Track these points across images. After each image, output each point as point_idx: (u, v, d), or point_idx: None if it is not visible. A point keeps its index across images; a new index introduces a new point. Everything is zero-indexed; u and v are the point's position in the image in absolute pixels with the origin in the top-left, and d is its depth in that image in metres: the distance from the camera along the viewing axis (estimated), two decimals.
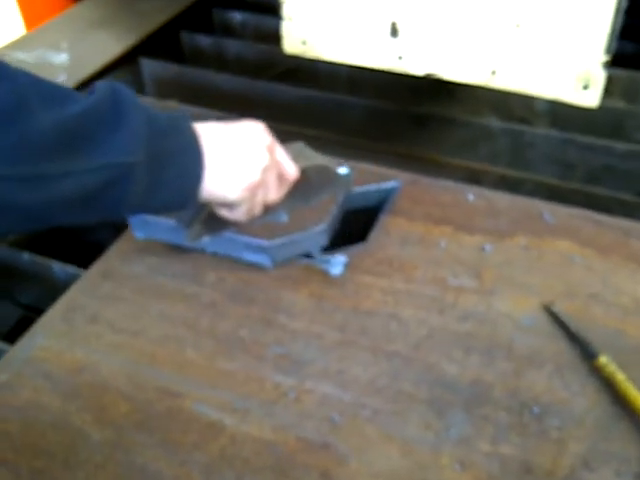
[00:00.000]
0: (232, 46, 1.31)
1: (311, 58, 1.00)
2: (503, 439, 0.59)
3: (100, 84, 0.53)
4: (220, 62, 1.32)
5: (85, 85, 1.21)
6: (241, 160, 0.60)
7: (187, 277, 0.75)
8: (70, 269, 0.83)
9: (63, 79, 1.21)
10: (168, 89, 1.27)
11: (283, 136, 0.99)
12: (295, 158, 0.68)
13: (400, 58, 0.89)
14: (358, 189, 0.85)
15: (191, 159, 0.57)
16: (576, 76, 0.78)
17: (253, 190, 0.62)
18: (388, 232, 0.79)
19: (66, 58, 1.28)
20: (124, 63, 1.29)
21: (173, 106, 1.13)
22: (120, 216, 0.59)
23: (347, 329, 0.69)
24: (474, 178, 0.93)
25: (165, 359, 0.67)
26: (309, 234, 0.75)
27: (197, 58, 1.34)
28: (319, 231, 0.75)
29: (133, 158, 0.51)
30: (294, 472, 0.57)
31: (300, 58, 1.07)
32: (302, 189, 0.70)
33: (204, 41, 1.34)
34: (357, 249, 0.78)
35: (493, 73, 0.83)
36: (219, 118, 0.63)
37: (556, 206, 0.82)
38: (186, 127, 0.57)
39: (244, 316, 0.71)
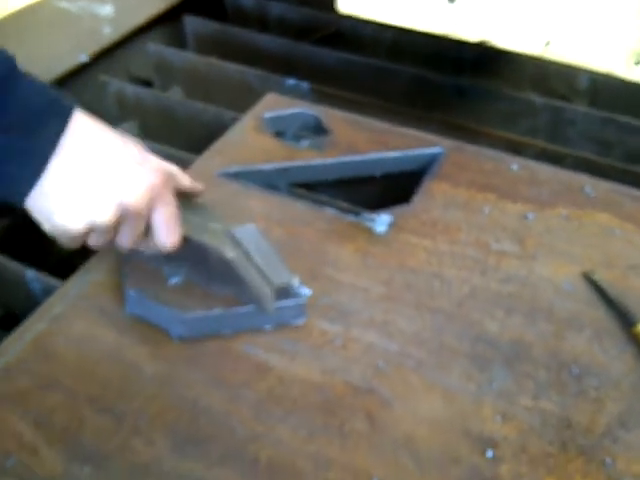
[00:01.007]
0: (275, 8, 1.32)
1: (364, 19, 1.01)
2: (543, 395, 0.61)
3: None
4: (262, 23, 1.33)
5: (129, 38, 1.23)
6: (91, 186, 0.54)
7: None
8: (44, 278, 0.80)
9: (107, 31, 1.22)
10: (209, 47, 1.28)
11: (324, 98, 1.01)
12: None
13: (455, 24, 0.90)
14: (402, 153, 0.87)
15: (35, 162, 0.51)
16: (629, 51, 0.79)
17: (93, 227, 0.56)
18: (432, 195, 0.81)
19: (111, 10, 1.29)
20: (167, 19, 1.31)
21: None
22: None
23: (392, 284, 0.71)
24: (515, 150, 0.95)
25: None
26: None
27: (239, 18, 1.35)
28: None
29: None
30: (341, 413, 0.60)
31: (343, 23, 1.09)
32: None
33: (247, 1, 1.35)
34: (402, 210, 0.79)
35: (547, 44, 0.85)
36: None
37: (597, 180, 0.84)
38: (52, 127, 0.52)
39: (292, 267, 0.73)
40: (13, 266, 0.81)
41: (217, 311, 0.66)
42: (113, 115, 1.16)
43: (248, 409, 0.60)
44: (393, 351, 0.65)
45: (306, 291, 0.68)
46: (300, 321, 0.67)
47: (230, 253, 0.64)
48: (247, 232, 0.69)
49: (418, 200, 0.81)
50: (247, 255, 0.67)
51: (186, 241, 0.65)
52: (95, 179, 0.54)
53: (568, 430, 0.58)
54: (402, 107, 1.05)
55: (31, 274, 0.79)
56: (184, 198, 0.67)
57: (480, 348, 0.65)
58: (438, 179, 0.84)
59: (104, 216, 0.54)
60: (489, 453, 0.57)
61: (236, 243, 0.67)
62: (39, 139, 0.51)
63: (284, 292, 0.66)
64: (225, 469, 0.56)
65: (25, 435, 0.59)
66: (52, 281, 0.78)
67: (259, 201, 0.80)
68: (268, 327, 0.67)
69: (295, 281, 0.67)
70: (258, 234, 0.70)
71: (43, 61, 1.11)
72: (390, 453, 0.57)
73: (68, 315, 0.69)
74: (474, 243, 0.75)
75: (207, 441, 0.58)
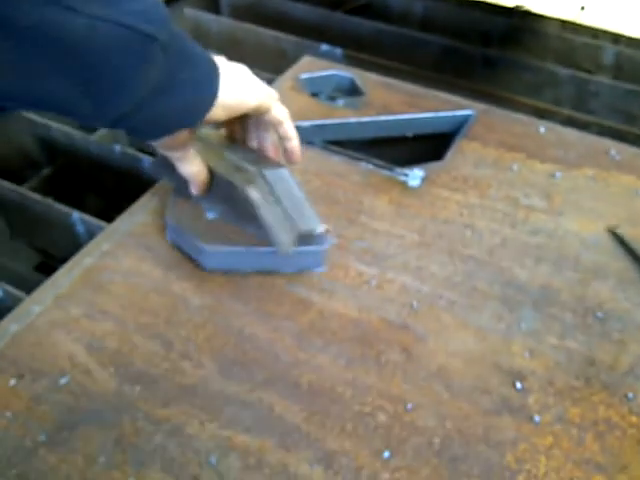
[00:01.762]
0: None
1: None
2: (569, 335, 0.64)
3: None
4: None
5: (165, 3, 1.25)
6: (253, 78, 0.64)
7: None
8: (90, 220, 0.84)
9: None
10: (243, 14, 1.31)
11: (356, 64, 1.04)
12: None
13: None
14: (434, 114, 0.90)
15: (207, 68, 0.57)
16: None
17: (271, 95, 0.65)
18: (463, 154, 0.84)
19: None
20: None
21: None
22: (118, 110, 0.51)
23: (425, 233, 0.74)
24: (541, 117, 0.98)
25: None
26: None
27: None
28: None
29: (156, 32, 0.48)
30: (377, 345, 0.63)
31: None
32: None
33: None
34: (434, 166, 0.83)
35: (582, 9, 0.87)
36: None
37: (622, 145, 0.87)
38: (206, 56, 0.58)
39: (329, 214, 0.76)
40: (59, 208, 0.84)
41: (238, 248, 0.69)
42: None
43: (291, 338, 0.64)
44: (426, 292, 0.68)
45: (330, 239, 0.71)
46: (320, 269, 0.70)
47: (254, 194, 0.66)
48: (279, 176, 0.69)
49: (449, 157, 0.84)
50: (275, 198, 0.68)
51: (220, 179, 0.68)
52: (249, 76, 0.64)
53: (592, 367, 0.62)
54: (432, 73, 1.08)
55: (77, 216, 0.83)
56: (225, 138, 0.71)
57: (510, 292, 0.68)
58: (468, 139, 0.87)
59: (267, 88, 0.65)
60: (518, 385, 0.60)
61: (266, 185, 0.68)
62: (205, 64, 0.57)
63: (307, 238, 0.68)
64: (269, 391, 0.60)
65: (78, 357, 0.63)
66: (96, 223, 0.82)
67: None
68: (289, 270, 0.70)
69: (320, 228, 0.68)
70: (290, 178, 0.70)
71: None
72: (424, 382, 0.60)
73: (116, 252, 0.73)
74: (504, 198, 0.78)
75: (252, 365, 0.62)
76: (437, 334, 0.64)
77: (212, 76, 0.57)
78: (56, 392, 0.60)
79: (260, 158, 0.71)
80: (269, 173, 0.69)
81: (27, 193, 0.87)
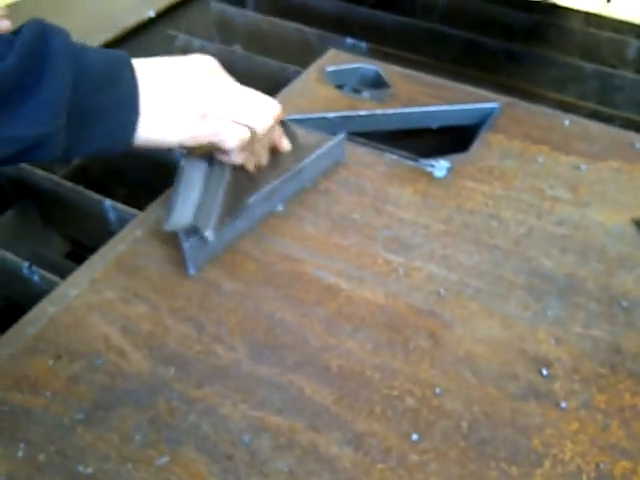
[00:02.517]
0: None
1: None
2: (594, 324, 0.65)
3: (28, 26, 0.48)
4: None
5: None
6: (184, 100, 0.58)
7: None
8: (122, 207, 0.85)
9: None
10: (267, 7, 1.32)
11: (381, 57, 1.05)
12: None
13: None
14: (460, 106, 0.91)
15: (126, 112, 0.54)
16: None
17: (202, 130, 0.60)
18: (489, 146, 0.85)
19: None
20: None
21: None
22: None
23: (451, 223, 0.75)
24: (565, 111, 0.98)
25: (286, 231, 0.74)
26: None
27: None
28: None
29: (48, 129, 0.48)
30: (405, 331, 0.65)
31: None
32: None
33: None
34: (459, 157, 0.84)
35: (608, 1, 0.88)
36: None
37: None
38: (125, 74, 0.54)
39: (356, 203, 0.78)
40: (91, 196, 0.86)
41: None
42: None
43: (320, 324, 0.65)
44: (453, 280, 0.69)
45: (194, 243, 0.68)
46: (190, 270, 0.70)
47: (185, 165, 0.70)
48: (219, 169, 0.70)
49: (475, 149, 0.85)
50: (201, 185, 0.69)
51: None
52: (180, 96, 0.58)
53: (618, 355, 0.63)
54: (456, 67, 1.09)
55: (108, 204, 0.85)
56: None
57: (536, 281, 0.69)
58: (494, 131, 0.88)
59: (198, 115, 0.60)
60: (544, 371, 0.61)
61: (205, 170, 0.70)
62: (120, 87, 0.55)
63: (193, 232, 0.68)
64: (299, 374, 0.61)
65: (113, 339, 0.65)
66: (128, 210, 0.83)
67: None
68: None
69: (209, 234, 0.67)
70: (225, 174, 0.69)
71: (115, 15, 1.16)
72: (451, 367, 0.62)
73: (149, 239, 0.74)
74: (529, 189, 0.79)
75: (282, 349, 0.63)
76: (464, 321, 0.65)
77: (130, 120, 0.55)
78: (92, 372, 0.62)
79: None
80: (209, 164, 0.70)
81: (59, 181, 0.89)
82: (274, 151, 0.75)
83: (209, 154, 0.69)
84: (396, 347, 0.63)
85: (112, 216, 0.86)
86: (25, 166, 0.92)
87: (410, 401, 0.59)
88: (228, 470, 0.55)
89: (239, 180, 0.71)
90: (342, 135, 0.81)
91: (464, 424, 0.57)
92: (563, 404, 0.58)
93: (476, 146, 0.85)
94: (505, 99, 0.92)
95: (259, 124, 0.64)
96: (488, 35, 1.15)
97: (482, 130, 0.88)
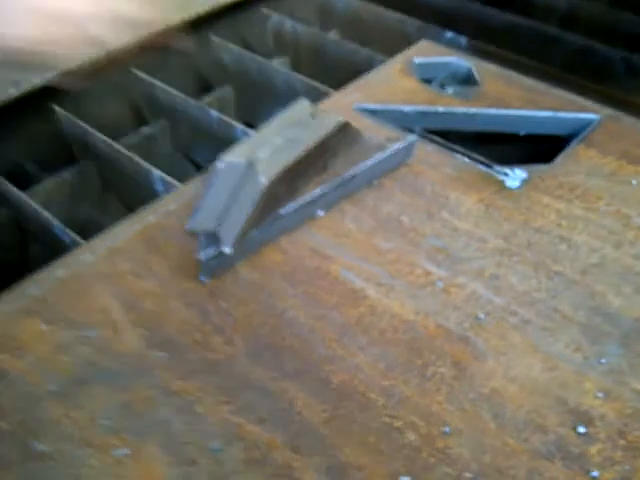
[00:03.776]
0: None
1: None
2: None
3: None
4: None
5: None
6: None
7: None
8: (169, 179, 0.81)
9: None
10: None
11: (481, 56, 0.96)
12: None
13: None
14: (553, 114, 0.80)
15: None
16: None
17: None
18: (577, 160, 0.74)
19: None
20: None
21: None
22: None
23: (512, 240, 0.65)
24: None
25: (324, 224, 0.67)
26: None
27: None
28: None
29: None
30: (427, 354, 0.56)
31: None
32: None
33: None
34: (540, 168, 0.73)
35: None
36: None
37: None
38: None
39: (408, 204, 0.69)
40: (141, 165, 0.83)
41: None
42: (269, 49, 1.17)
43: (333, 330, 0.58)
44: (498, 305, 0.59)
45: (226, 249, 0.61)
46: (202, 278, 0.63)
47: (220, 165, 0.62)
48: (255, 179, 0.61)
49: (560, 162, 0.74)
50: (235, 189, 0.62)
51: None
52: None
53: None
54: (564, 73, 0.97)
55: (157, 174, 0.81)
56: None
57: (596, 320, 0.58)
58: (586, 145, 0.76)
59: None
60: (581, 429, 0.50)
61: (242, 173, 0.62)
62: None
63: (213, 239, 0.62)
64: (294, 384, 0.54)
65: (112, 312, 0.60)
66: (175, 183, 0.79)
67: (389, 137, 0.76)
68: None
69: (227, 248, 0.61)
70: (258, 187, 0.61)
71: None
72: (470, 405, 0.52)
73: (181, 212, 0.69)
74: (613, 214, 0.68)
75: (284, 352, 0.56)
76: (499, 354, 0.56)
77: None
78: (81, 344, 0.57)
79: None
80: (251, 170, 0.62)
81: (116, 146, 0.86)
82: (328, 154, 0.67)
83: (248, 158, 0.62)
84: (412, 371, 0.55)
85: (159, 187, 0.82)
86: (88, 127, 0.90)
87: (412, 436, 0.50)
88: (188, 477, 0.48)
89: (276, 190, 0.62)
90: (413, 138, 0.73)
91: (468, 475, 0.48)
92: (595, 473, 0.48)
93: (562, 158, 0.75)
94: (607, 111, 0.80)
95: None
96: (607, 43, 1.02)
97: (573, 142, 0.77)
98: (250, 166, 0.60)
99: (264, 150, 0.61)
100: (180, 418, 0.52)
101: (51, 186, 0.92)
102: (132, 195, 0.90)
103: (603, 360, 0.55)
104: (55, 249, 0.75)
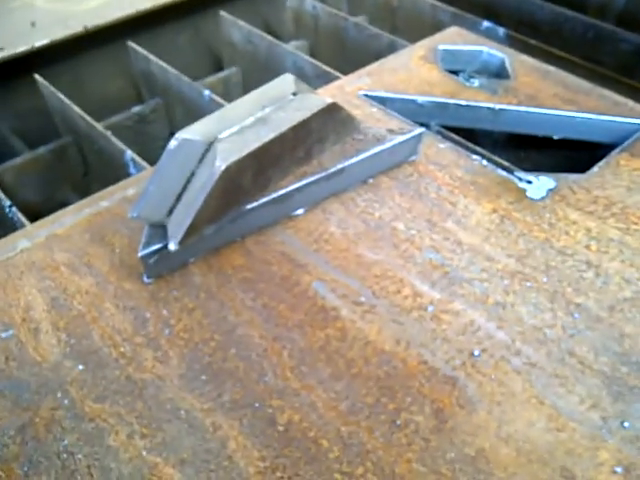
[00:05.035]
0: None
1: None
2: None
3: None
4: None
5: None
6: None
7: None
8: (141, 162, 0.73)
9: None
10: None
11: (521, 48, 0.84)
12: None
13: None
14: (595, 116, 0.68)
15: None
16: None
17: None
18: (617, 172, 0.62)
19: None
20: None
21: None
22: None
23: (527, 261, 0.53)
24: None
25: (302, 225, 0.56)
26: None
27: None
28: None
29: None
30: (402, 396, 0.44)
31: None
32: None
33: None
34: (571, 178, 0.61)
35: None
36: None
37: None
38: None
39: (406, 209, 0.58)
40: (116, 145, 0.73)
41: None
42: (288, 31, 1.07)
43: (291, 356, 0.47)
44: (499, 340, 0.48)
45: (172, 245, 0.50)
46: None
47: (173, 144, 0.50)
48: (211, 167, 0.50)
49: (596, 172, 0.62)
50: (190, 174, 0.51)
51: None
52: None
53: None
54: (615, 75, 0.84)
55: (129, 155, 0.71)
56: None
57: (623, 371, 0.46)
58: (630, 154, 0.64)
59: None
60: None
61: (200, 156, 0.51)
62: None
63: (158, 230, 0.52)
64: (230, 419, 0.43)
65: (35, 311, 0.50)
66: (145, 165, 0.69)
67: (393, 128, 0.65)
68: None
69: (172, 244, 0.50)
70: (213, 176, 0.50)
71: None
72: (448, 468, 0.41)
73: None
74: None
75: (226, 378, 0.45)
76: (493, 403, 0.44)
77: None
78: None
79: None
80: (211, 154, 0.50)
81: (92, 123, 0.77)
82: (311, 141, 0.56)
83: (208, 137, 0.51)
84: (380, 416, 0.43)
85: (133, 170, 0.72)
86: (67, 101, 0.81)
87: None
88: None
89: (240, 179, 0.51)
90: (419, 131, 0.61)
91: None
92: None
93: (600, 168, 0.62)
94: None
95: None
96: None
97: (615, 150, 0.64)
98: (209, 147, 0.50)
99: (229, 129, 0.50)
100: (86, 449, 0.42)
101: (25, 163, 0.83)
102: (112, 179, 0.80)
103: (626, 424, 0.43)
104: (6, 231, 0.66)
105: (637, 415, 0.43)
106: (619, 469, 0.40)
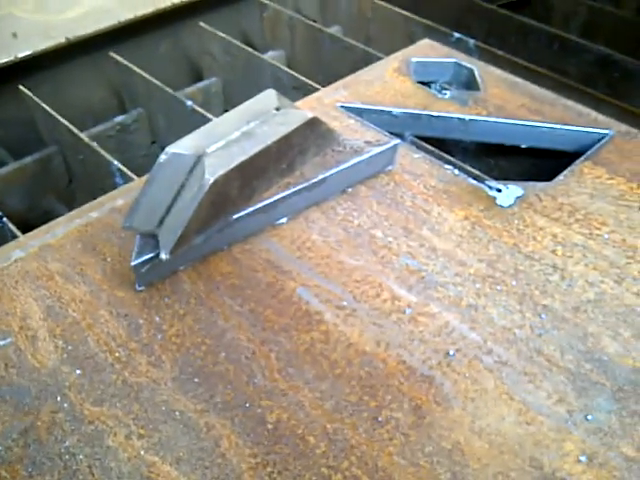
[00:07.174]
0: None
1: None
2: None
3: None
4: None
5: None
6: None
7: None
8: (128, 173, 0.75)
9: None
10: None
11: (490, 59, 0.87)
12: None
13: None
14: (560, 126, 0.72)
15: None
16: None
17: None
18: (581, 179, 0.66)
19: None
20: None
21: None
22: None
23: (497, 265, 0.57)
24: None
25: (285, 233, 0.59)
26: None
27: None
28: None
29: None
30: (383, 394, 0.47)
31: None
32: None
33: None
34: (538, 186, 0.65)
35: None
36: None
37: None
38: None
39: (383, 217, 0.61)
40: (103, 156, 0.75)
41: None
42: (266, 41, 1.09)
43: (277, 358, 0.50)
44: (472, 341, 0.51)
45: (163, 254, 0.53)
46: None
47: (163, 159, 0.52)
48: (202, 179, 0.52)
49: (561, 180, 0.66)
50: (180, 187, 0.53)
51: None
52: None
53: None
54: (578, 85, 0.88)
55: (115, 166, 0.74)
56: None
57: (587, 368, 0.49)
58: (593, 163, 0.68)
59: None
60: None
61: (190, 170, 0.53)
62: None
63: (149, 240, 0.54)
64: (222, 419, 0.46)
65: (32, 319, 0.53)
66: (133, 176, 0.72)
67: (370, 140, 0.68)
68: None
69: (163, 254, 0.53)
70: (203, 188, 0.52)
71: None
72: (426, 461, 0.44)
73: (127, 210, 0.61)
74: (619, 243, 0.59)
75: (217, 380, 0.48)
76: (467, 399, 0.47)
77: None
78: None
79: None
80: (200, 167, 0.53)
81: (78, 134, 0.79)
82: (293, 154, 0.59)
83: (197, 151, 0.53)
84: (363, 413, 0.46)
85: (119, 180, 0.75)
86: (52, 112, 0.83)
87: None
88: None
89: (227, 190, 0.54)
90: (395, 142, 0.65)
91: None
92: None
93: (564, 176, 0.66)
94: (622, 127, 0.72)
95: None
96: (630, 54, 0.93)
97: (579, 159, 0.68)
98: (197, 160, 0.52)
99: (216, 143, 0.53)
100: (87, 450, 0.44)
101: (11, 173, 0.85)
102: (97, 189, 0.82)
103: (590, 417, 0.46)
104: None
105: (600, 409, 0.47)
106: (583, 458, 0.44)
